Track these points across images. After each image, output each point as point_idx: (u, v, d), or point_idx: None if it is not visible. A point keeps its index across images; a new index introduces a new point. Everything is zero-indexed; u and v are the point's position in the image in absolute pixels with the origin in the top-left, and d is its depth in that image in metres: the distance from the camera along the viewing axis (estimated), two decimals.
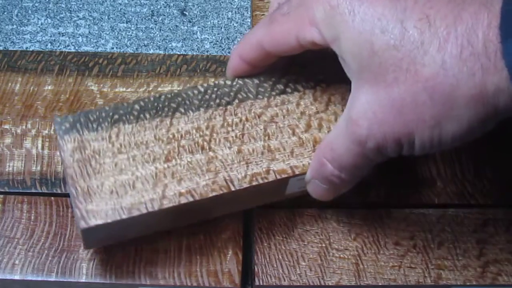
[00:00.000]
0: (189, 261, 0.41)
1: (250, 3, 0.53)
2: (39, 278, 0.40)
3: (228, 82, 0.41)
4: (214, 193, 0.37)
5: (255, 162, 0.39)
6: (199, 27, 0.52)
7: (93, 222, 0.36)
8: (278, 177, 0.38)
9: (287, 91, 0.41)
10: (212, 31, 0.52)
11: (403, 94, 0.33)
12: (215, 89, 0.41)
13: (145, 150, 0.38)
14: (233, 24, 0.52)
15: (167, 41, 0.51)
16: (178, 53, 0.50)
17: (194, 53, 0.50)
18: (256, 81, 0.41)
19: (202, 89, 0.41)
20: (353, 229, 0.43)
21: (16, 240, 0.41)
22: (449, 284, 0.41)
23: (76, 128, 0.39)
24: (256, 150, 0.39)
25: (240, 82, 0.41)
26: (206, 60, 0.49)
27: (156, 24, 0.52)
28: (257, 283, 0.41)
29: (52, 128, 0.45)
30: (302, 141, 0.40)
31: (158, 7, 0.53)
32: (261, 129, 0.40)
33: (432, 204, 0.44)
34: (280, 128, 0.40)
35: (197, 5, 0.53)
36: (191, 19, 0.53)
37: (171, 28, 0.52)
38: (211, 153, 0.39)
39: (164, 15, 0.53)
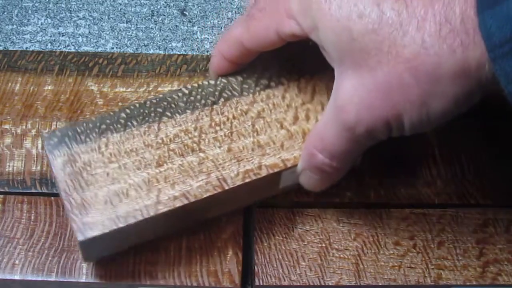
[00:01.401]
0: (189, 261, 0.41)
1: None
2: (39, 278, 0.40)
3: (212, 82, 0.41)
4: (208, 194, 0.37)
5: (246, 159, 0.39)
6: (199, 27, 0.52)
7: (90, 233, 0.36)
8: (271, 171, 0.39)
9: (272, 85, 0.41)
10: (212, 31, 0.52)
11: (387, 76, 0.33)
12: (200, 90, 0.41)
13: (135, 157, 0.38)
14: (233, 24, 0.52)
15: (167, 41, 0.51)
16: (178, 53, 0.50)
17: (194, 53, 0.50)
18: (239, 78, 0.41)
19: (186, 91, 0.41)
20: (353, 229, 0.43)
21: (16, 240, 0.41)
22: (449, 284, 0.41)
23: (64, 142, 0.38)
24: (246, 147, 0.39)
25: (224, 80, 0.41)
26: (206, 60, 0.49)
27: (156, 24, 0.52)
28: (257, 283, 0.41)
29: (53, 128, 0.45)
30: (291, 134, 0.40)
31: (158, 7, 0.53)
32: (249, 126, 0.40)
33: (432, 204, 0.44)
34: (268, 122, 0.40)
35: (197, 5, 0.53)
36: (191, 19, 0.53)
37: (171, 28, 0.52)
38: (201, 154, 0.39)
39: (164, 15, 0.53)
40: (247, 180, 0.38)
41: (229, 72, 0.41)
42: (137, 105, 0.40)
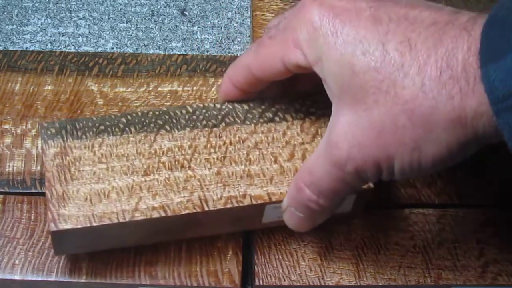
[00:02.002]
0: (189, 261, 0.41)
1: (250, 3, 0.53)
2: (39, 278, 0.40)
3: (218, 106, 0.41)
4: (186, 211, 0.37)
5: (233, 185, 0.39)
6: (199, 27, 0.52)
7: (63, 226, 0.36)
8: (254, 202, 0.38)
9: (275, 120, 0.41)
10: (212, 31, 0.52)
11: (383, 116, 0.32)
12: (204, 110, 0.41)
13: (125, 162, 0.39)
14: (233, 24, 0.53)
15: (167, 41, 0.51)
16: (178, 53, 0.50)
17: (194, 53, 0.50)
18: (245, 107, 0.41)
19: (190, 109, 0.41)
20: (353, 229, 0.43)
21: (16, 240, 0.41)
22: (449, 284, 0.41)
23: (61, 134, 0.39)
24: (236, 173, 0.39)
25: (230, 106, 0.41)
26: (206, 60, 0.49)
27: (156, 24, 0.52)
28: (257, 283, 0.41)
29: None
30: (283, 169, 0.40)
31: (158, 7, 0.53)
32: (243, 154, 0.40)
33: (432, 204, 0.44)
34: (263, 154, 0.40)
35: (197, 5, 0.53)
36: (191, 19, 0.53)
37: (171, 28, 0.52)
38: (190, 172, 0.39)
39: (164, 15, 0.53)
40: (228, 206, 0.38)
41: (236, 98, 0.41)
42: (140, 113, 0.41)
